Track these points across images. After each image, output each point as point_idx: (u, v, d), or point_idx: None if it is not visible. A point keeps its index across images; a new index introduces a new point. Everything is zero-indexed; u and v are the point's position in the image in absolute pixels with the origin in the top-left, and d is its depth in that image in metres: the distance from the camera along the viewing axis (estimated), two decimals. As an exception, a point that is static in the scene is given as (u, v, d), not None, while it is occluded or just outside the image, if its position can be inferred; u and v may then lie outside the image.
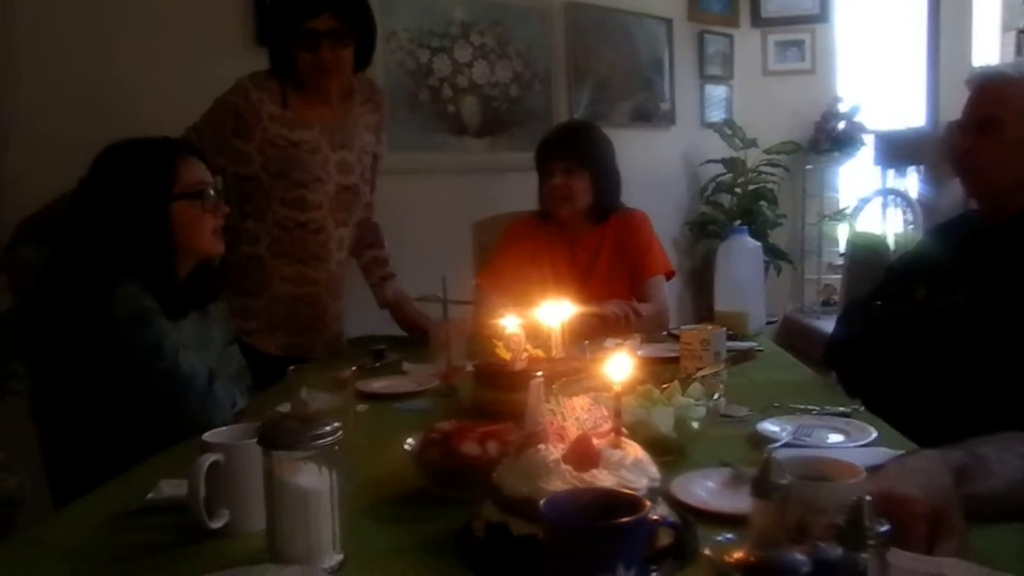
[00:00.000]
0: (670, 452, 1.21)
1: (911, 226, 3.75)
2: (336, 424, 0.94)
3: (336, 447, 0.93)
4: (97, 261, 1.52)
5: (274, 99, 2.05)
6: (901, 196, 3.93)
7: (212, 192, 1.63)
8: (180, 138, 1.91)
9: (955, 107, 1.69)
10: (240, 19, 2.78)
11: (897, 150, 4.16)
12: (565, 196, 2.32)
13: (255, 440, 0.95)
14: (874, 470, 0.96)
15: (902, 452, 1.21)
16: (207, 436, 1.05)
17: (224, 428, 1.10)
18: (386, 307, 2.26)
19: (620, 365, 0.98)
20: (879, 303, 1.73)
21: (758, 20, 4.76)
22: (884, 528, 0.67)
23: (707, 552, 0.77)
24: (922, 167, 3.99)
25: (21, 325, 1.65)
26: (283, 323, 2.10)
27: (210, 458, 1.00)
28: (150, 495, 1.12)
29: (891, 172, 4.27)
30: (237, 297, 2.06)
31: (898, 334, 1.62)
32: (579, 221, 2.38)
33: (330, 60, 2.01)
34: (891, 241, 3.67)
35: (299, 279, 2.10)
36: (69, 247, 1.57)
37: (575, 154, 2.33)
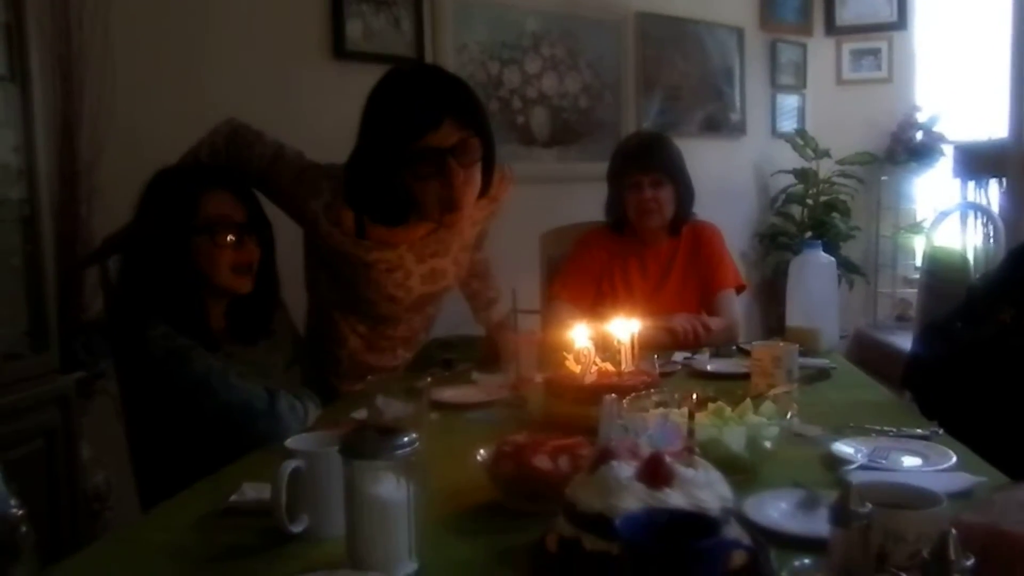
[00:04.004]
0: (742, 472, 1.20)
1: (992, 241, 3.63)
2: (415, 436, 0.96)
3: (414, 458, 0.96)
4: (131, 294, 1.57)
5: (346, 230, 1.71)
6: (982, 210, 3.80)
7: (234, 227, 1.59)
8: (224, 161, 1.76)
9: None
10: (321, 35, 2.87)
11: (978, 162, 4.02)
12: (655, 209, 2.31)
13: (336, 448, 0.98)
14: (956, 497, 0.94)
15: (983, 478, 1.18)
16: (290, 442, 1.09)
17: (307, 435, 1.13)
18: (487, 329, 2.10)
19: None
20: (960, 324, 1.69)
21: (832, 28, 4.67)
22: (970, 562, 0.66)
23: (785, 577, 0.77)
24: (1004, 180, 3.86)
25: (108, 331, 1.73)
26: (368, 370, 1.88)
27: (292, 464, 1.04)
28: (233, 497, 1.17)
29: (971, 185, 4.13)
30: (323, 351, 1.89)
31: (981, 356, 1.57)
32: (655, 233, 2.37)
33: (461, 187, 1.57)
34: (971, 256, 3.56)
35: (373, 335, 1.90)
36: (118, 276, 1.65)
37: (662, 166, 2.31)
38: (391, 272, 1.75)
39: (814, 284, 2.21)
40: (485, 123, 1.64)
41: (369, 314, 1.87)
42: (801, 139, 4.39)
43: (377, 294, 1.77)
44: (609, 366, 1.56)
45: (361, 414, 1.40)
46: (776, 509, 1.09)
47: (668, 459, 0.93)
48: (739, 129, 4.36)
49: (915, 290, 3.94)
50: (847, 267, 4.19)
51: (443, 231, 1.78)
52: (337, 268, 1.78)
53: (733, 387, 1.57)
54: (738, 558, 0.87)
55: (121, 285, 1.66)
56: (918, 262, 4.21)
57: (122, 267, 1.68)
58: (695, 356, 2.03)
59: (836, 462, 1.29)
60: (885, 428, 1.44)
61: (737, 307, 2.40)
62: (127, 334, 1.55)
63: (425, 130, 1.53)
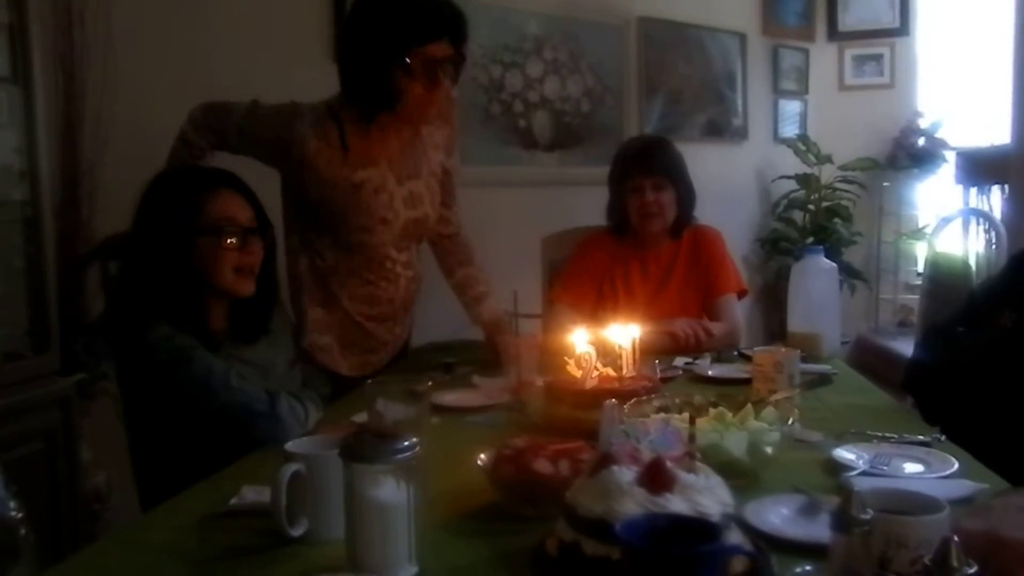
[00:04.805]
0: (742, 477, 1.20)
1: (994, 247, 3.62)
2: (415, 439, 0.96)
3: (414, 462, 0.95)
4: (133, 295, 1.56)
5: (333, 144, 1.87)
6: (984, 216, 3.80)
7: (240, 229, 1.58)
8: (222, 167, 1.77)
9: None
10: (323, 37, 2.87)
11: (980, 168, 4.02)
12: (656, 212, 2.31)
13: (336, 452, 0.98)
14: (957, 504, 0.93)
15: (984, 485, 1.18)
16: (290, 446, 1.09)
17: (307, 439, 1.13)
18: (481, 327, 2.14)
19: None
20: (961, 329, 1.69)
21: (835, 34, 4.67)
22: (972, 570, 0.66)
23: (786, 583, 0.76)
24: (1007, 186, 3.85)
25: (109, 332, 1.73)
26: (357, 341, 2.02)
27: (292, 468, 1.04)
28: (233, 500, 1.17)
29: (973, 191, 4.13)
30: (310, 308, 1.97)
31: (983, 361, 1.57)
32: (657, 236, 2.37)
33: (439, 91, 1.83)
34: (972, 262, 3.55)
35: (371, 299, 2.01)
36: (119, 277, 1.65)
37: (664, 169, 2.32)
38: (377, 193, 1.91)
39: (815, 289, 2.21)
40: (466, 47, 1.88)
41: (364, 250, 1.94)
42: (803, 144, 4.39)
43: (370, 218, 1.91)
44: (610, 371, 1.56)
45: (361, 417, 1.40)
46: (777, 515, 1.08)
47: (669, 464, 0.93)
48: (741, 134, 4.36)
49: (917, 296, 3.93)
50: (849, 273, 4.19)
51: (411, 147, 1.97)
52: (330, 205, 1.89)
53: (734, 392, 1.57)
54: (739, 564, 0.86)
55: (123, 286, 1.66)
56: (920, 268, 4.21)
57: (124, 267, 1.68)
58: (696, 361, 2.03)
59: (837, 468, 1.28)
60: (886, 434, 1.44)
61: (738, 312, 2.39)
62: (128, 335, 1.55)
63: (427, 40, 1.77)
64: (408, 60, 1.78)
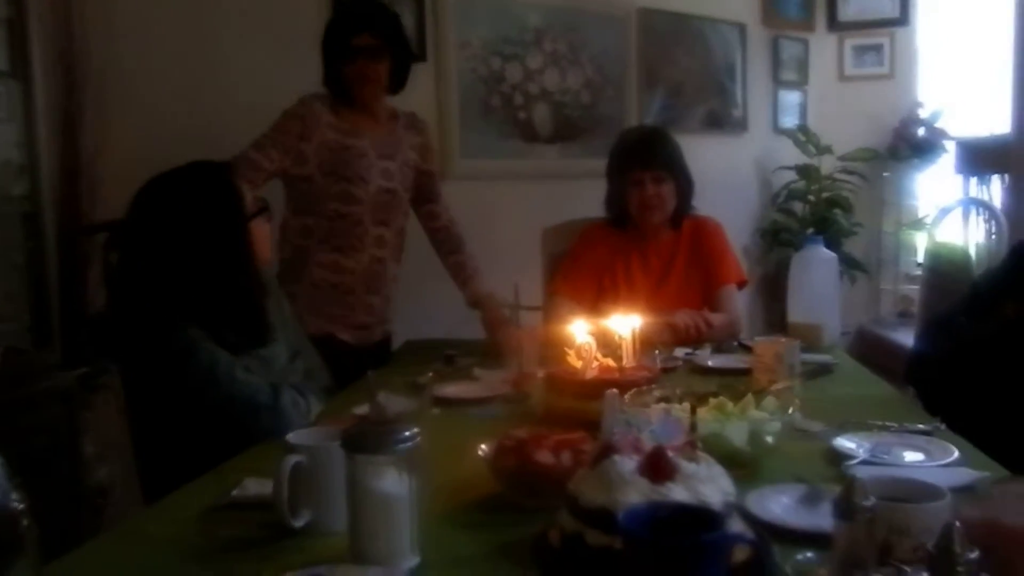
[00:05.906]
0: (743, 466, 1.20)
1: (994, 237, 3.62)
2: (416, 430, 0.96)
3: (416, 453, 0.96)
4: (147, 288, 1.54)
5: (330, 110, 2.30)
6: (984, 206, 3.80)
7: None
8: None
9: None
10: (321, 32, 2.86)
11: (980, 158, 4.01)
12: (657, 204, 2.31)
13: (338, 443, 0.98)
14: (957, 492, 0.93)
15: (984, 473, 1.18)
16: (292, 437, 1.09)
17: (309, 430, 1.13)
18: (471, 304, 2.37)
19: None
20: (963, 319, 1.69)
21: (835, 24, 4.66)
22: (974, 555, 0.66)
23: (789, 572, 0.77)
24: (1007, 176, 3.85)
25: (116, 323, 1.71)
26: (321, 306, 2.26)
27: (294, 459, 1.04)
28: (235, 492, 1.17)
29: (973, 181, 4.13)
30: (283, 285, 2.18)
31: (984, 351, 1.57)
32: (657, 228, 2.37)
33: (368, 72, 2.27)
34: (973, 252, 3.55)
35: (335, 267, 2.27)
36: (129, 268, 1.61)
37: (663, 162, 2.32)
38: (360, 158, 2.29)
39: (816, 280, 2.22)
40: (396, 36, 2.34)
41: (346, 204, 2.25)
42: (803, 135, 4.38)
43: (353, 173, 2.28)
44: (610, 361, 1.56)
45: (363, 409, 1.41)
46: (778, 504, 1.09)
47: (670, 453, 0.93)
48: (741, 125, 4.35)
49: (917, 286, 3.93)
50: (849, 263, 4.18)
51: (390, 136, 2.38)
52: (325, 167, 2.25)
53: (735, 382, 1.57)
54: (741, 552, 0.86)
55: (136, 278, 1.61)
56: (920, 258, 4.20)
57: (144, 261, 1.62)
58: (697, 352, 2.03)
59: (838, 457, 1.29)
60: (887, 423, 1.44)
61: (739, 303, 2.39)
62: (137, 324, 1.54)
63: (351, 34, 2.25)
64: (342, 49, 2.26)
